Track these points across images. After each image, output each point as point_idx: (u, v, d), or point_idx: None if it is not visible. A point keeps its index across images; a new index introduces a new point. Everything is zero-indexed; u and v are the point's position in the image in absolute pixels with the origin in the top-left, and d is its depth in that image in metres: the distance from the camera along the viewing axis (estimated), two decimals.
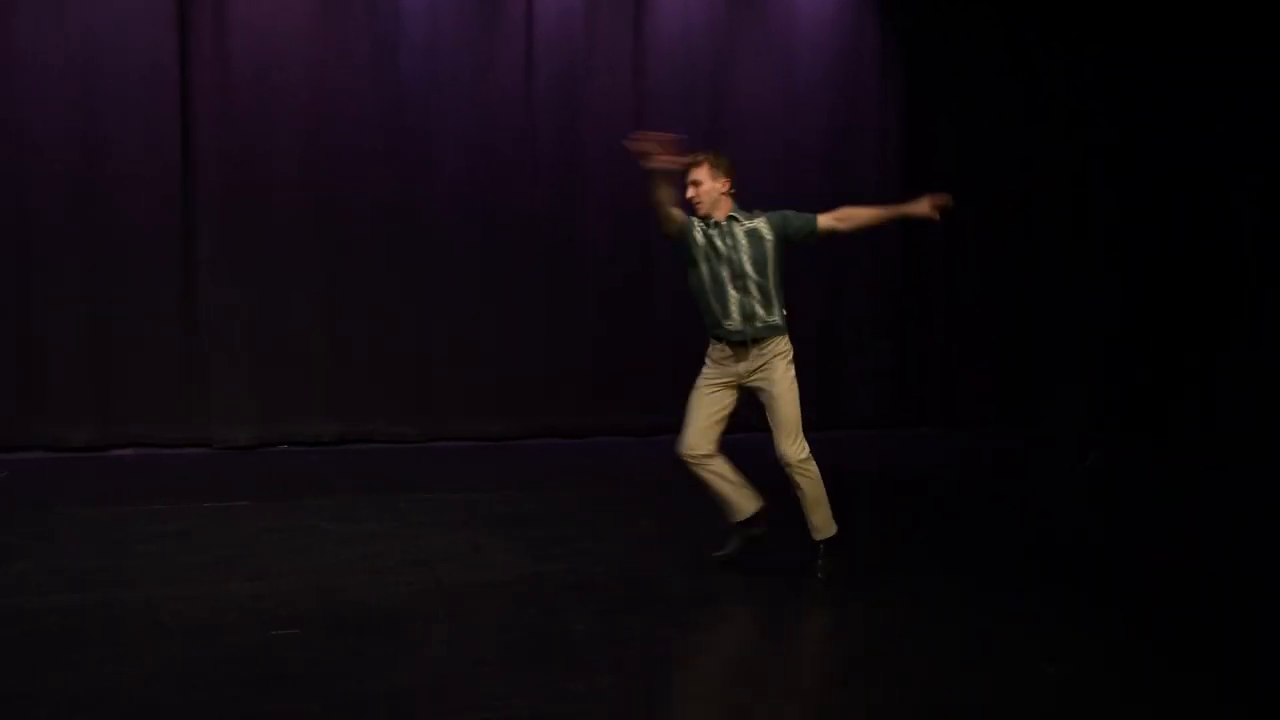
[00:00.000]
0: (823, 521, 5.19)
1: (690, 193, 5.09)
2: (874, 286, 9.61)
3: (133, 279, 8.24)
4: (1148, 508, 7.12)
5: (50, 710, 3.77)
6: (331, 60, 8.44)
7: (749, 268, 5.06)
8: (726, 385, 5.15)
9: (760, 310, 5.05)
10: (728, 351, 5.10)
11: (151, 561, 5.46)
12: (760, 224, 5.13)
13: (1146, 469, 8.40)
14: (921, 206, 5.22)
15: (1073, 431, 9.62)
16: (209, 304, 8.34)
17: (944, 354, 9.82)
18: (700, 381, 5.18)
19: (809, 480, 5.12)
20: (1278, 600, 5.09)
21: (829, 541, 5.21)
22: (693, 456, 5.17)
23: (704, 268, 5.10)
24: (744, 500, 5.22)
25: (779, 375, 5.08)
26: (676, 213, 5.05)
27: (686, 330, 9.08)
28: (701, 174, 5.10)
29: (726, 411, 5.16)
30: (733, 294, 5.06)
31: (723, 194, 5.13)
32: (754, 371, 5.09)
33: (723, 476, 5.20)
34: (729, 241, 5.07)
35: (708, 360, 5.18)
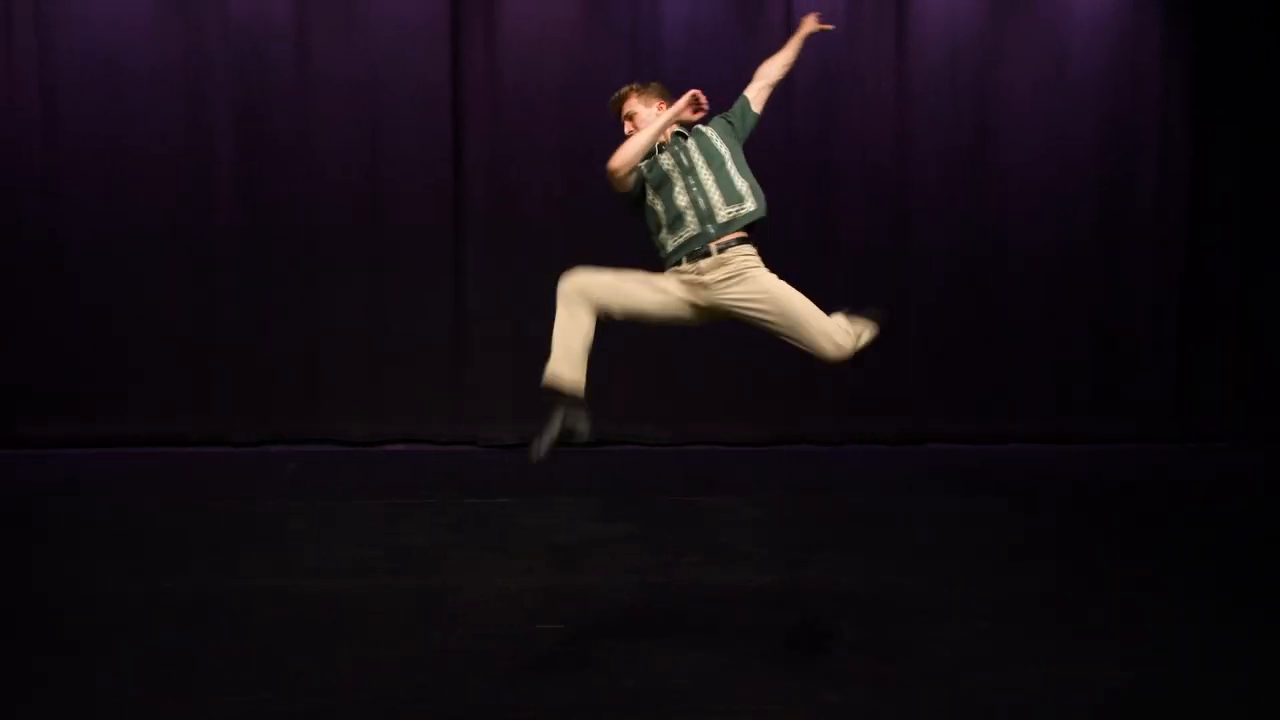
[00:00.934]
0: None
1: (628, 128, 4.69)
2: (1154, 290, 9.07)
3: (407, 283, 8.68)
4: None
5: (338, 689, 4.01)
6: (593, 72, 8.65)
7: (703, 173, 4.49)
8: (679, 296, 4.48)
9: (719, 206, 4.45)
10: (691, 269, 4.44)
11: (425, 552, 5.74)
12: (705, 128, 4.67)
13: None
14: (808, 25, 5.01)
15: None
16: (476, 308, 8.69)
17: (1232, 364, 9.17)
18: (657, 277, 4.52)
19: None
20: None
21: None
22: (578, 290, 4.54)
23: (651, 193, 4.56)
24: (577, 367, 4.53)
25: (757, 275, 4.46)
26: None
27: (945, 340, 8.95)
28: (633, 104, 4.71)
29: (662, 311, 4.50)
30: (683, 201, 4.47)
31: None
32: (724, 284, 4.43)
33: (579, 332, 4.56)
34: (681, 157, 4.55)
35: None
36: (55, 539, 6.03)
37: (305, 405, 8.67)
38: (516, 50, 8.65)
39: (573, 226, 8.67)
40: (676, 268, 4.48)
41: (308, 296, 8.62)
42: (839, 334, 4.57)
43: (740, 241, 4.48)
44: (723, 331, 8.63)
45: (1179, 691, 4.03)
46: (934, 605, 4.95)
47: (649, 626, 4.68)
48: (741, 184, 4.52)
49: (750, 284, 4.44)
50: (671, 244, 4.50)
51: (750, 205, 4.50)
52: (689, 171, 4.51)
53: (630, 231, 8.71)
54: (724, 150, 4.59)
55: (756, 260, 4.51)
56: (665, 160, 4.59)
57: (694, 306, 4.51)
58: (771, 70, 4.93)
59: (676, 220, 4.48)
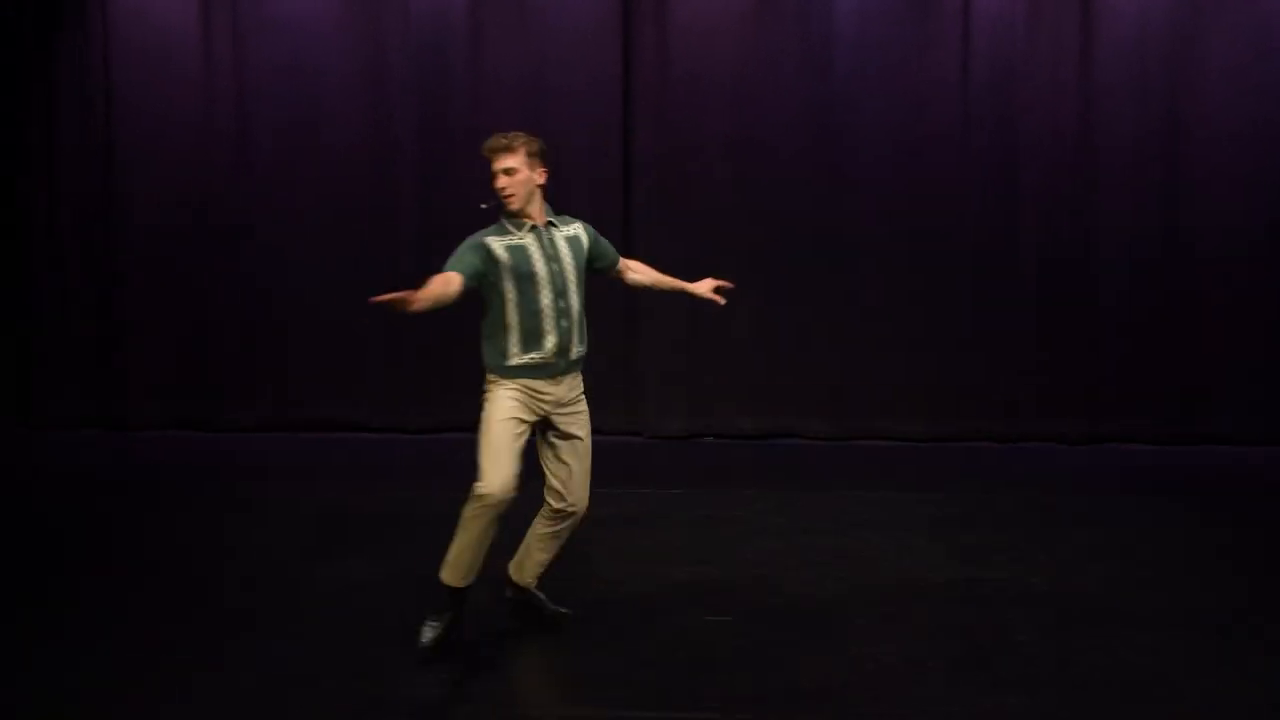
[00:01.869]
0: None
1: (501, 183, 4.21)
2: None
3: None
4: None
5: (505, 672, 4.07)
6: (763, 61, 8.58)
7: (572, 285, 4.24)
8: (527, 420, 4.26)
9: (575, 338, 4.28)
10: (534, 385, 4.24)
11: (594, 543, 5.77)
12: (579, 230, 4.38)
13: None
14: (702, 288, 4.69)
15: None
16: (645, 299, 8.69)
17: None
18: (499, 411, 4.23)
19: (565, 538, 4.47)
20: None
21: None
22: (507, 499, 4.16)
23: (509, 286, 4.19)
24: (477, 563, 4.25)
25: (586, 417, 4.42)
26: (445, 280, 4.17)
27: (1130, 336, 8.57)
28: (516, 160, 4.20)
29: (524, 448, 4.26)
30: (548, 318, 4.20)
31: (539, 186, 4.28)
32: (562, 408, 4.30)
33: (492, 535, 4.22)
34: (550, 251, 4.22)
35: (502, 389, 4.26)
36: (245, 519, 6.29)
37: (479, 394, 8.81)
38: (687, 41, 8.62)
39: (744, 217, 8.61)
40: (518, 375, 4.25)
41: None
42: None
43: (581, 364, 4.42)
44: (888, 327, 8.55)
45: None
46: (1123, 611, 4.75)
47: (821, 621, 4.62)
48: (585, 320, 4.39)
49: (578, 414, 4.43)
50: (517, 352, 4.25)
51: (585, 348, 4.40)
52: (562, 294, 4.25)
53: (802, 225, 8.64)
54: (583, 270, 4.39)
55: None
56: (534, 252, 4.24)
57: (539, 408, 4.30)
58: (647, 276, 4.82)
59: (536, 336, 4.22)
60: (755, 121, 8.58)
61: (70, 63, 8.84)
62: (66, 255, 8.87)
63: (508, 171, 4.20)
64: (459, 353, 8.58)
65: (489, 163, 4.24)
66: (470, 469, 4.18)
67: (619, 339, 8.77)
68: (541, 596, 4.52)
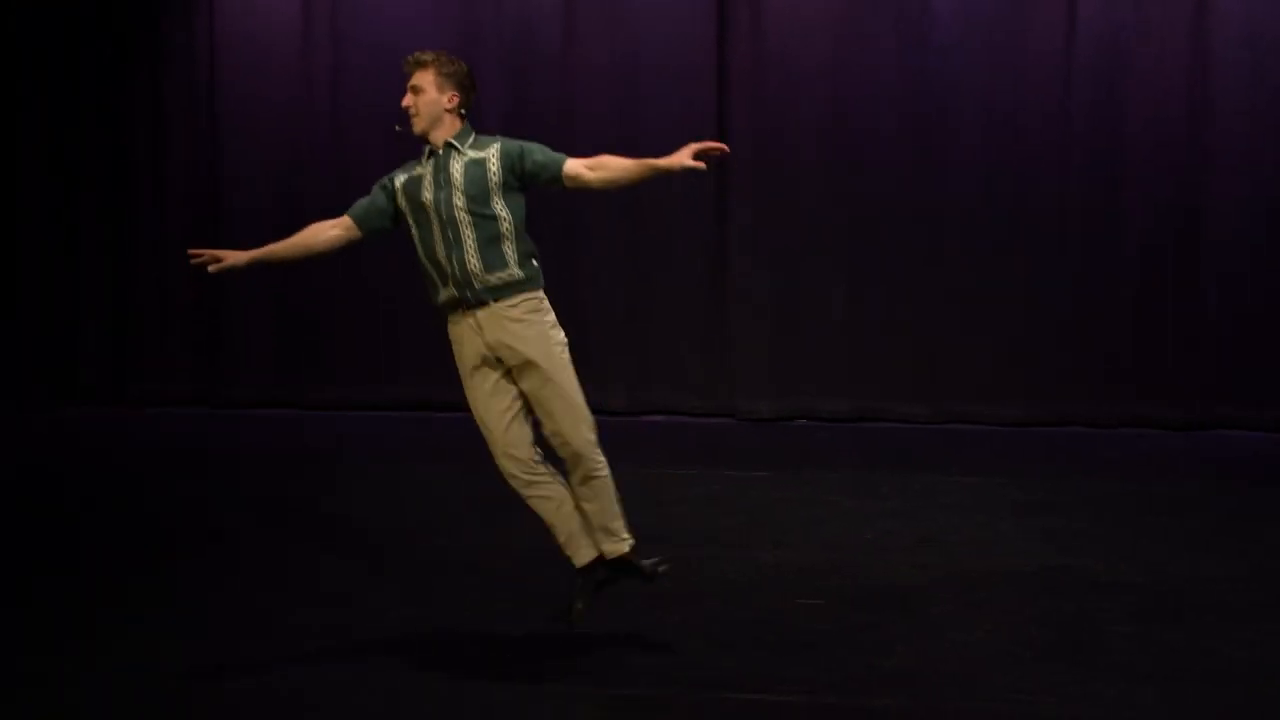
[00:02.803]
0: (621, 526, 4.09)
1: (406, 101, 3.94)
2: None
3: (669, 257, 8.77)
4: None
5: (604, 649, 4.12)
6: (859, 39, 8.48)
7: (460, 210, 3.87)
8: (487, 365, 3.95)
9: (479, 266, 3.87)
10: (460, 325, 3.96)
11: (684, 523, 5.81)
12: (490, 153, 3.95)
13: None
14: (680, 158, 3.91)
15: None
16: (738, 281, 8.71)
17: None
18: (463, 380, 4.01)
19: (602, 479, 4.00)
20: None
21: (618, 560, 4.08)
22: (518, 474, 3.97)
23: (410, 222, 3.96)
24: (586, 540, 4.06)
25: (534, 338, 3.91)
26: (318, 228, 4.08)
27: (1238, 321, 8.32)
28: (425, 79, 3.91)
29: (517, 399, 3.95)
30: (441, 250, 3.90)
31: (447, 110, 3.93)
32: (498, 343, 3.91)
33: (560, 504, 4.00)
34: (441, 177, 3.90)
35: (453, 341, 4.02)
36: (339, 498, 6.43)
37: None
38: (782, 22, 8.56)
39: (838, 200, 8.55)
40: (444, 318, 4.03)
41: (572, 268, 8.83)
42: (590, 434, 3.99)
43: (506, 291, 3.96)
44: (984, 310, 8.41)
45: None
46: (1223, 603, 4.63)
47: (912, 606, 4.59)
48: (512, 245, 3.97)
49: (518, 340, 3.94)
50: (432, 295, 4.04)
51: (512, 272, 3.95)
52: (451, 222, 3.90)
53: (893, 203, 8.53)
54: (496, 192, 3.97)
55: (536, 307, 4.02)
56: (426, 182, 3.96)
57: (480, 351, 3.98)
58: (613, 171, 4.14)
59: (437, 273, 3.97)
60: (850, 102, 8.51)
61: (175, 50, 9.08)
62: (170, 238, 9.10)
63: (414, 89, 3.93)
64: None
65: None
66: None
67: (708, 320, 8.78)
68: (632, 562, 4.10)
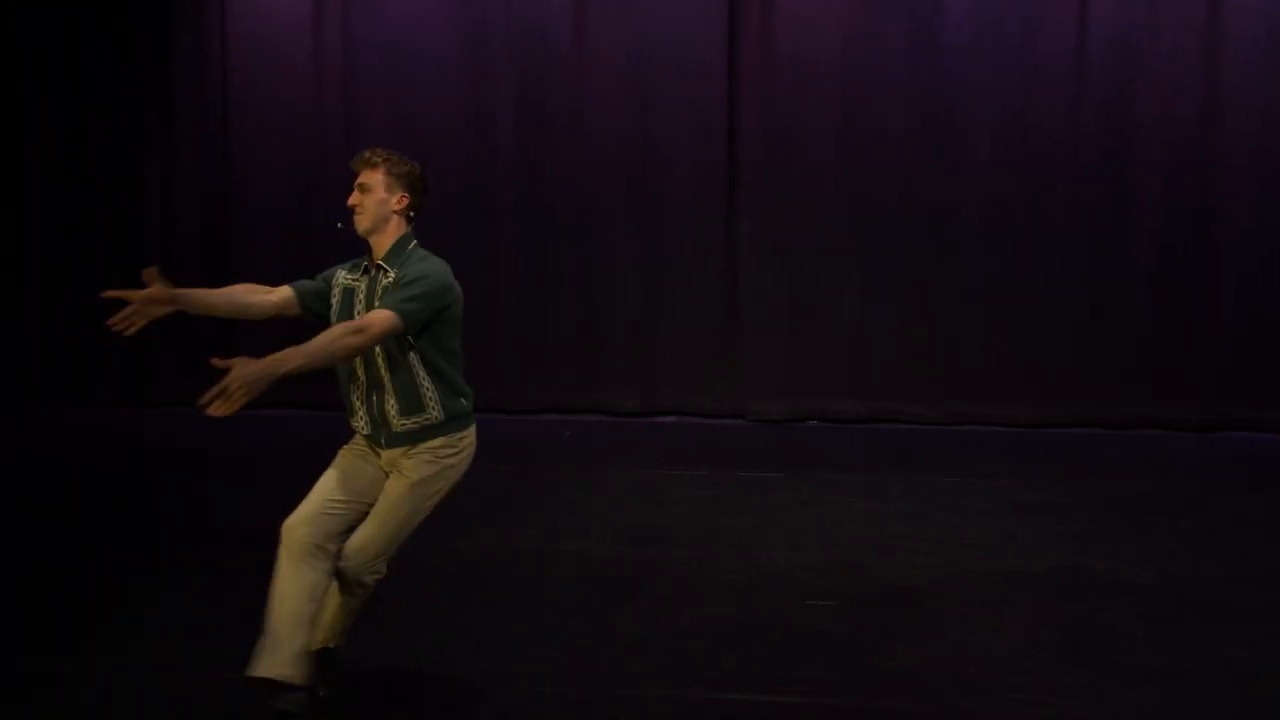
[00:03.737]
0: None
1: (353, 199, 3.66)
2: None
3: (680, 258, 8.76)
4: None
5: (609, 651, 4.11)
6: (869, 39, 8.46)
7: (379, 352, 3.55)
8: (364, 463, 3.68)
9: (394, 410, 3.58)
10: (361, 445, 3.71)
11: (692, 523, 5.80)
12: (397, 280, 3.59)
13: None
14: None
15: None
16: (748, 282, 8.69)
17: None
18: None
19: (361, 596, 3.66)
20: None
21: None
22: (308, 542, 3.51)
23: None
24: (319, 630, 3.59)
25: (407, 486, 3.58)
26: (265, 289, 3.78)
27: (1250, 323, 8.27)
28: (374, 179, 3.65)
29: (354, 508, 3.61)
30: (358, 383, 3.64)
31: (395, 212, 3.67)
32: (391, 462, 3.63)
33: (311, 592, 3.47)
34: (371, 303, 3.57)
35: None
36: None
37: (579, 376, 8.90)
38: (793, 22, 8.54)
39: (849, 199, 8.53)
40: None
41: (583, 268, 8.84)
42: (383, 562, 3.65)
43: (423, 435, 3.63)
44: (995, 311, 8.38)
45: None
46: (1235, 604, 4.61)
47: (919, 607, 4.57)
48: (429, 385, 3.59)
49: (413, 464, 3.61)
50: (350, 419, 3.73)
51: (431, 414, 3.60)
52: (369, 362, 3.59)
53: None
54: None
55: (452, 448, 3.65)
56: (353, 300, 3.65)
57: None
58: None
59: (348, 402, 3.73)
60: (861, 102, 8.48)
61: (187, 50, 9.09)
62: (181, 240, 9.14)
63: (361, 187, 3.66)
64: (507, 330, 8.73)
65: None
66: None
67: (719, 321, 8.77)
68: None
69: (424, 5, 8.82)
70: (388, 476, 3.63)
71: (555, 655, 4.12)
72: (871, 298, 8.51)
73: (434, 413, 3.58)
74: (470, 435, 3.68)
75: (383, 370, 3.57)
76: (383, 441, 3.61)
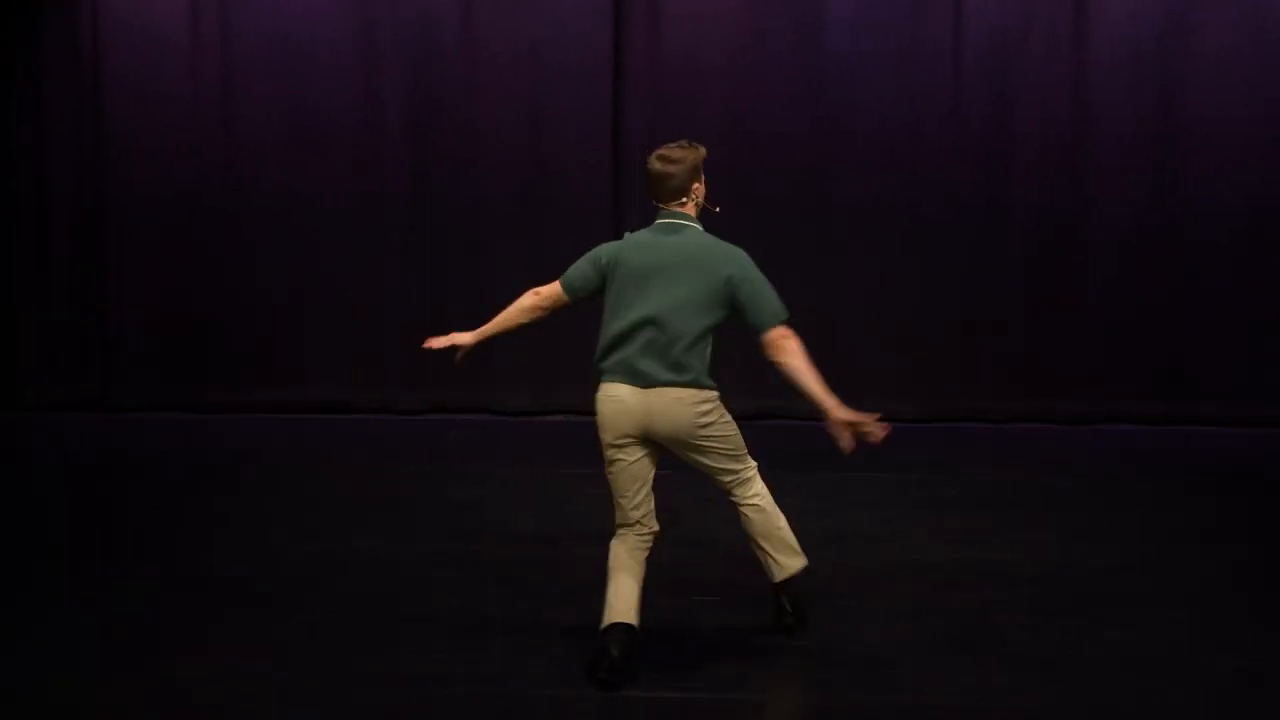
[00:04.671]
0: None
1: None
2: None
3: (568, 258, 8.68)
4: None
5: (502, 649, 4.07)
6: (755, 44, 8.53)
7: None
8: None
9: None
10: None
11: (585, 522, 5.77)
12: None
13: None
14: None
15: None
16: None
17: None
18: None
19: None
20: None
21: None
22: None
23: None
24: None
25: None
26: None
27: (1127, 316, 8.56)
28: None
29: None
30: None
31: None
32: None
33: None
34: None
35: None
36: (240, 500, 6.28)
37: (468, 375, 8.78)
38: (679, 23, 8.56)
39: (736, 199, 8.54)
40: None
41: (472, 267, 8.75)
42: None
43: None
44: (881, 309, 8.52)
45: None
46: (1117, 590, 4.77)
47: (818, 602, 4.59)
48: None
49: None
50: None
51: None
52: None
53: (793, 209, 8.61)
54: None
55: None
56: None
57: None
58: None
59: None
60: (748, 104, 8.54)
61: (58, 42, 8.76)
62: (55, 237, 8.82)
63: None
64: (394, 328, 8.62)
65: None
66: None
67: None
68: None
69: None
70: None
71: (446, 656, 4.06)
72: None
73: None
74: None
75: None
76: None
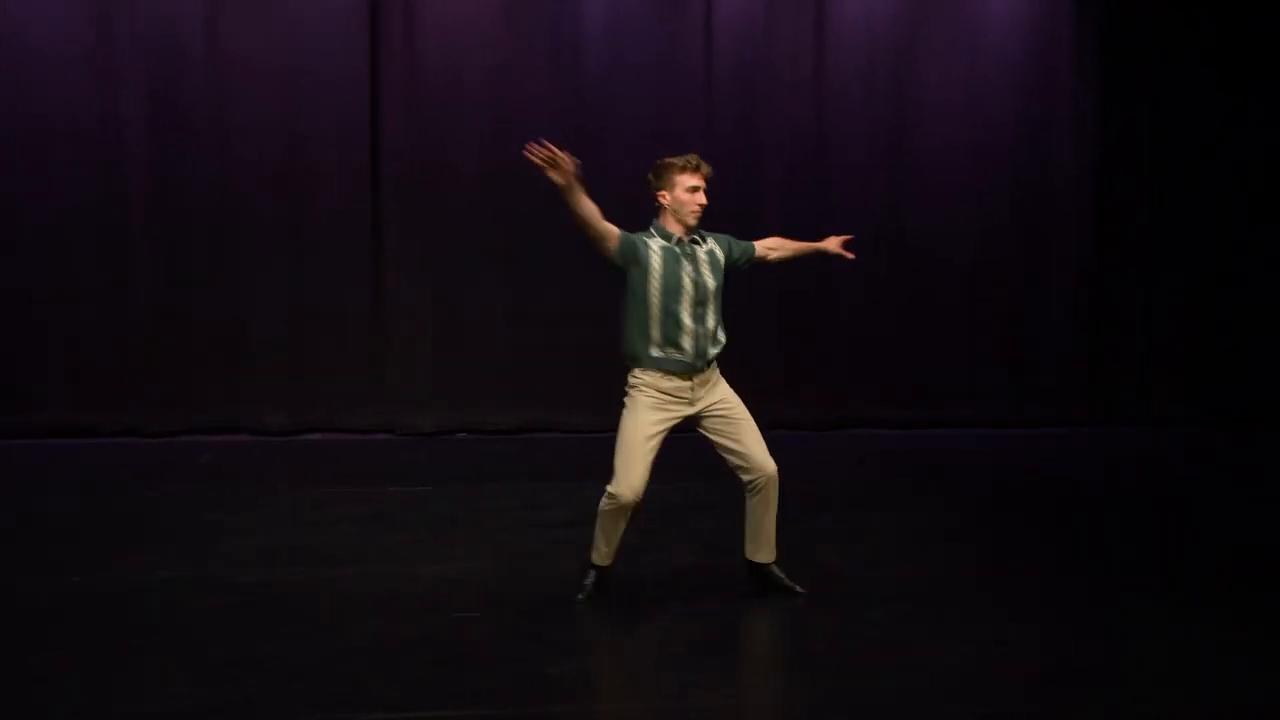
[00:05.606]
0: (771, 540, 4.85)
1: (701, 201, 4.76)
2: (1065, 280, 9.31)
3: (326, 272, 8.56)
4: None
5: (260, 680, 3.96)
6: (513, 58, 8.61)
7: (711, 295, 4.69)
8: (668, 427, 4.72)
9: (710, 343, 4.68)
10: (674, 382, 4.66)
11: (345, 542, 5.69)
12: (716, 246, 4.82)
13: None
14: (831, 244, 5.10)
15: None
16: (395, 296, 8.62)
17: (1139, 349, 9.44)
18: (642, 417, 4.67)
19: (774, 496, 4.84)
20: None
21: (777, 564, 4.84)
22: (639, 501, 4.72)
23: (656, 286, 4.64)
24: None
25: (730, 394, 4.79)
26: (610, 226, 4.70)
27: (867, 327, 9.05)
28: (705, 181, 4.77)
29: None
30: (688, 323, 4.63)
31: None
32: (701, 401, 4.71)
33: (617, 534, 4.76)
34: (693, 264, 4.69)
35: (644, 391, 4.67)
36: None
37: (222, 395, 8.51)
38: (436, 34, 8.57)
39: (493, 211, 8.63)
40: (657, 370, 4.63)
41: (224, 283, 8.47)
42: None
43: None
44: (585, 321, 8.72)
45: (1099, 670, 4.14)
46: (863, 589, 5.00)
47: (575, 615, 4.68)
48: (723, 323, 4.75)
49: (718, 397, 4.75)
50: (656, 349, 4.63)
51: (720, 347, 4.74)
52: (701, 303, 4.64)
53: (550, 215, 8.70)
54: (723, 281, 4.77)
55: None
56: (684, 263, 4.66)
57: (678, 413, 4.69)
58: (781, 249, 5.08)
59: (675, 337, 4.61)
60: (506, 116, 8.60)
61: None
62: None
63: (705, 192, 4.79)
64: (142, 348, 8.30)
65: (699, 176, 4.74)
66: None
67: (368, 337, 8.65)
68: (779, 573, 4.82)
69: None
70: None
71: (202, 688, 3.92)
72: (520, 309, 8.65)
73: (723, 341, 4.77)
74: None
75: (710, 303, 4.69)
76: (699, 366, 4.63)
